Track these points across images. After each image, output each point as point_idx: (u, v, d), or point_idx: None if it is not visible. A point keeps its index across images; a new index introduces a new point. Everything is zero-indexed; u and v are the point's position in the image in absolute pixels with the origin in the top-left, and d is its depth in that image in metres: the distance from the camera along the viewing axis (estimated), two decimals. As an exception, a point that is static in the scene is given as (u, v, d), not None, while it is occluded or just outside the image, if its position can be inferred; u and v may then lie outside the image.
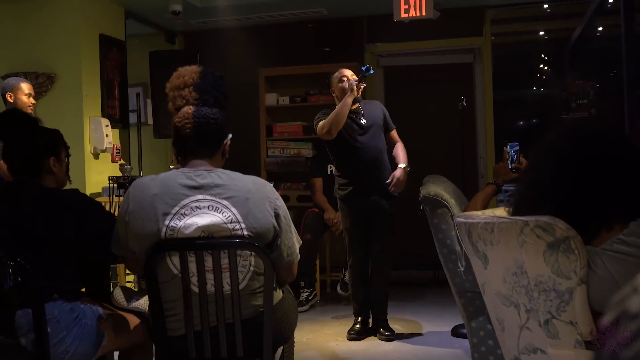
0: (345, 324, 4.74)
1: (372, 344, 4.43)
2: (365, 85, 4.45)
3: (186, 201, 2.17)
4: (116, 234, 2.27)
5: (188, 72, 2.40)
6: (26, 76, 5.17)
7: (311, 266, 5.62)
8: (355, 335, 4.51)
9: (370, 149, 4.43)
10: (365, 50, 6.88)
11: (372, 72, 4.27)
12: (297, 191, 6.61)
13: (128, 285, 4.95)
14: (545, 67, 8.92)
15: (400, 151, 4.56)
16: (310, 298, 5.52)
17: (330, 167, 5.49)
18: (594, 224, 1.75)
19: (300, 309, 5.28)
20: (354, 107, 4.43)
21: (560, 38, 8.24)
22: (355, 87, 4.28)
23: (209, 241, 2.16)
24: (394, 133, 4.64)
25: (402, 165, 4.46)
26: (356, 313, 4.62)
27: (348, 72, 4.48)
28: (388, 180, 4.40)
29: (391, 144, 4.60)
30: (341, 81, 4.43)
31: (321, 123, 4.38)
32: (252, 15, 6.64)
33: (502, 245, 1.88)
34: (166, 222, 2.15)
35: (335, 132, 4.33)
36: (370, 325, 4.61)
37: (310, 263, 5.60)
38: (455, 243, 3.06)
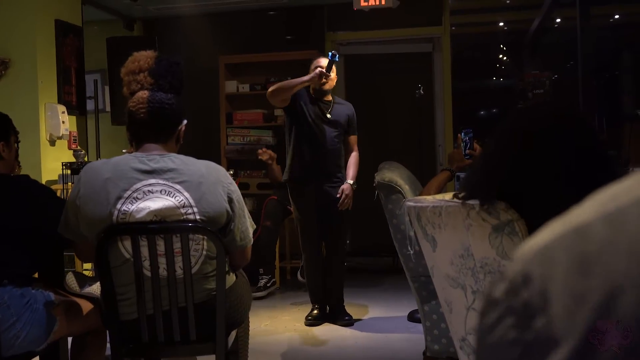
0: (304, 311, 4.77)
1: (329, 329, 4.47)
2: (332, 76, 4.45)
3: (138, 185, 2.17)
4: (65, 218, 2.26)
5: (143, 57, 2.38)
6: (-21, 61, 5.08)
7: (270, 253, 5.64)
8: (312, 321, 4.54)
9: (326, 140, 4.46)
10: (325, 38, 6.90)
11: (337, 58, 4.32)
12: (257, 179, 6.61)
13: (85, 272, 4.91)
14: (505, 58, 9.02)
15: (351, 164, 4.58)
16: (268, 285, 5.54)
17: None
18: (540, 210, 1.77)
19: (257, 294, 5.30)
20: (326, 99, 4.52)
21: (519, 29, 8.34)
22: (318, 75, 4.31)
23: (161, 225, 2.16)
24: (353, 139, 4.64)
25: (349, 181, 4.50)
26: (313, 299, 4.65)
27: (324, 62, 4.48)
28: (338, 195, 4.45)
29: (348, 150, 4.63)
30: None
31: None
32: (211, 2, 6.60)
33: (449, 229, 1.92)
34: (118, 206, 2.15)
35: (276, 98, 4.38)
36: (328, 311, 4.65)
37: (270, 250, 5.62)
38: (409, 228, 3.10)
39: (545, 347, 0.43)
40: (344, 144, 4.61)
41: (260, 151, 5.49)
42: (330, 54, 4.32)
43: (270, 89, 4.41)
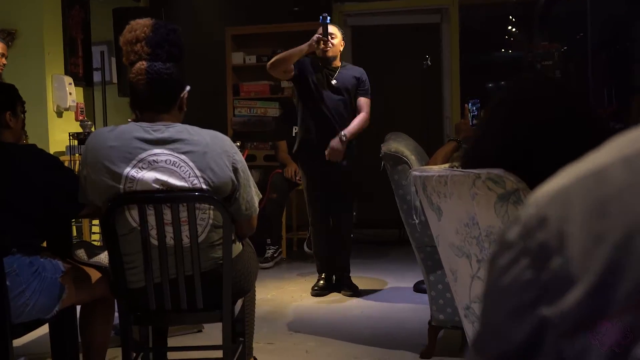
0: (310, 281, 4.81)
1: (335, 299, 4.50)
2: (331, 40, 4.38)
3: (143, 155, 2.17)
4: (81, 186, 2.28)
5: (140, 26, 2.33)
6: (-14, 32, 5.07)
7: (277, 225, 5.67)
8: (318, 292, 4.58)
9: (332, 109, 4.43)
10: (333, 9, 6.84)
11: (329, 20, 4.28)
12: (264, 151, 6.61)
13: (94, 242, 4.95)
14: (514, 29, 8.94)
15: (355, 120, 4.43)
16: (275, 255, 5.58)
17: (295, 129, 5.49)
18: (534, 176, 1.76)
19: (265, 265, 5.34)
20: (333, 65, 4.47)
21: (529, 0, 8.25)
22: (315, 41, 4.28)
23: (168, 194, 2.17)
24: (363, 101, 4.48)
25: (342, 132, 4.34)
26: (319, 270, 4.68)
27: (329, 29, 4.42)
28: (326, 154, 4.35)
29: (357, 112, 4.48)
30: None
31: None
32: (218, -27, 6.55)
33: (455, 198, 1.92)
34: (124, 175, 2.15)
35: (277, 69, 4.37)
36: (334, 281, 4.68)
37: (276, 222, 5.65)
38: (415, 199, 3.11)
39: (562, 286, 0.44)
40: (356, 108, 4.49)
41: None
42: (321, 17, 4.28)
43: (270, 61, 4.39)
